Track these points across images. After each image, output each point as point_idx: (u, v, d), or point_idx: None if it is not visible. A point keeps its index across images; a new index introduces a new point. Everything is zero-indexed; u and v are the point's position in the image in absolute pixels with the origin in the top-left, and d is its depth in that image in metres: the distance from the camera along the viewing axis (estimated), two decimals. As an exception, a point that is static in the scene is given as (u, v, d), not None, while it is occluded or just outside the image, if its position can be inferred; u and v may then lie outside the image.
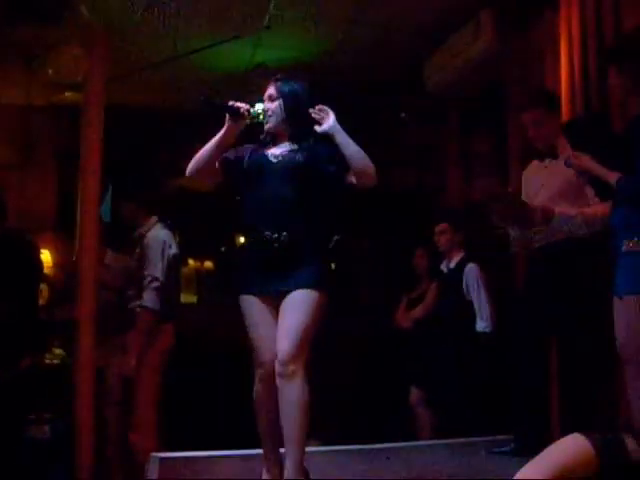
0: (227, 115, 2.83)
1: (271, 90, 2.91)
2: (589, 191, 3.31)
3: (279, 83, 2.91)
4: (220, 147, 2.87)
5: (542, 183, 3.49)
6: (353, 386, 5.45)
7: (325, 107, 2.77)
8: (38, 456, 3.81)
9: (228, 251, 6.90)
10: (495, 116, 5.08)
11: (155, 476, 3.10)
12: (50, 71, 4.72)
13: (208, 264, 7.06)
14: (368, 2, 4.60)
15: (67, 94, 5.84)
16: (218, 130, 2.87)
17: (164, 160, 6.81)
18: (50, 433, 3.82)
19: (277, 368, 2.66)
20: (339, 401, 5.28)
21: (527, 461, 1.40)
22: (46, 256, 5.47)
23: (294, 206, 2.76)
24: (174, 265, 4.17)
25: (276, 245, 2.74)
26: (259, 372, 2.78)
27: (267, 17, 4.73)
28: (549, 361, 3.56)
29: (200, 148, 2.91)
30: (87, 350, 3.79)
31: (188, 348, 4.45)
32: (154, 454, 3.39)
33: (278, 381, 2.65)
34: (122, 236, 4.71)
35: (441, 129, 6.06)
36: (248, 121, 2.86)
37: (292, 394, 2.63)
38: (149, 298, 4.00)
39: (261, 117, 2.88)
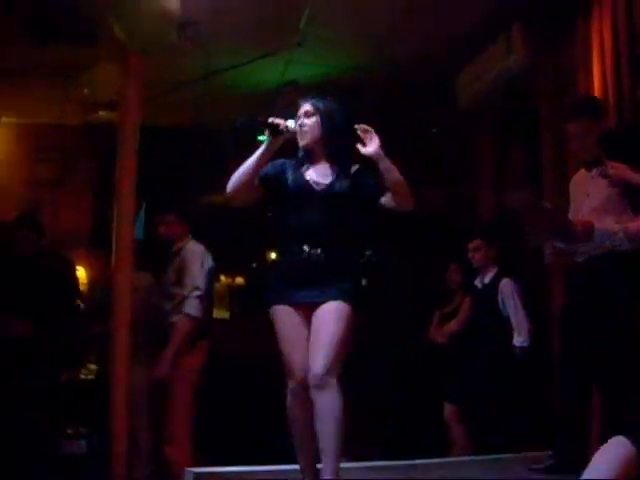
0: (267, 132, 2.83)
1: (307, 107, 2.92)
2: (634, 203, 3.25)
3: (315, 100, 2.92)
4: (260, 164, 2.87)
5: (588, 193, 3.42)
6: (387, 401, 5.42)
7: (369, 128, 2.77)
8: (74, 470, 3.84)
9: (259, 267, 6.92)
10: (527, 129, 5.06)
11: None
12: (85, 90, 4.80)
13: (239, 280, 7.10)
14: (400, 19, 4.62)
15: (101, 113, 5.94)
16: (248, 147, 2.89)
17: (195, 177, 6.88)
18: (86, 447, 3.85)
19: (311, 380, 2.66)
20: (372, 417, 5.25)
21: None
22: (81, 273, 5.55)
23: (331, 228, 2.80)
24: (210, 280, 4.23)
25: (311, 259, 2.76)
26: (291, 384, 2.78)
27: (298, 34, 4.77)
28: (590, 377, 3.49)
29: (233, 166, 2.93)
30: (122, 364, 3.82)
31: (222, 364, 4.45)
32: (188, 469, 3.41)
33: (312, 393, 2.65)
34: (148, 255, 4.77)
35: (473, 143, 6.04)
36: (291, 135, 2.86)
37: (327, 406, 2.62)
38: (192, 306, 4.05)
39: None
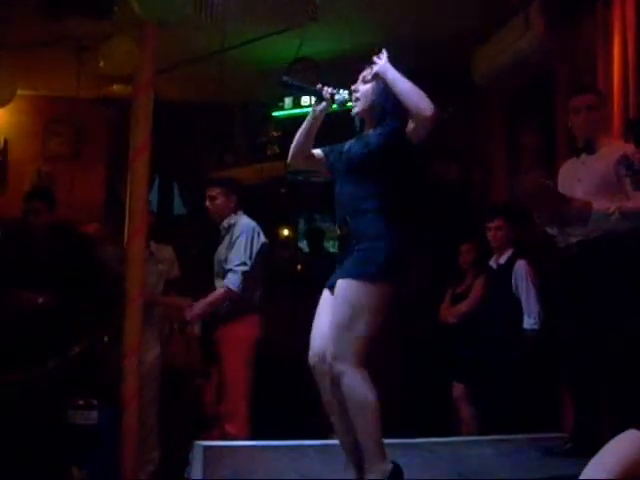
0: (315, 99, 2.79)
1: (366, 72, 2.78)
2: (628, 186, 3.24)
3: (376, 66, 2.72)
4: (309, 132, 2.82)
5: (578, 179, 3.41)
6: (396, 381, 5.43)
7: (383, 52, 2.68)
8: (85, 441, 3.88)
9: (272, 244, 6.93)
10: (543, 109, 5.02)
11: (200, 464, 3.13)
12: (101, 63, 4.78)
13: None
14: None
15: (116, 87, 5.93)
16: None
17: (208, 152, 6.88)
18: (97, 419, 3.88)
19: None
20: (381, 395, 5.26)
21: (581, 461, 1.36)
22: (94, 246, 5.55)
23: (353, 199, 2.68)
24: (263, 255, 4.19)
25: (342, 235, 2.71)
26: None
27: (313, 9, 4.72)
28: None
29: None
30: (134, 337, 3.84)
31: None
32: (198, 442, 3.44)
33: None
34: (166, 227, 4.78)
35: (488, 122, 6.00)
36: (336, 107, 2.77)
37: (342, 395, 2.55)
38: (232, 279, 4.04)
39: (349, 104, 2.79)
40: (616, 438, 1.33)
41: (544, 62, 4.75)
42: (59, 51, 5.31)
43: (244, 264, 4.06)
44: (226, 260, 4.14)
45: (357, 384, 2.52)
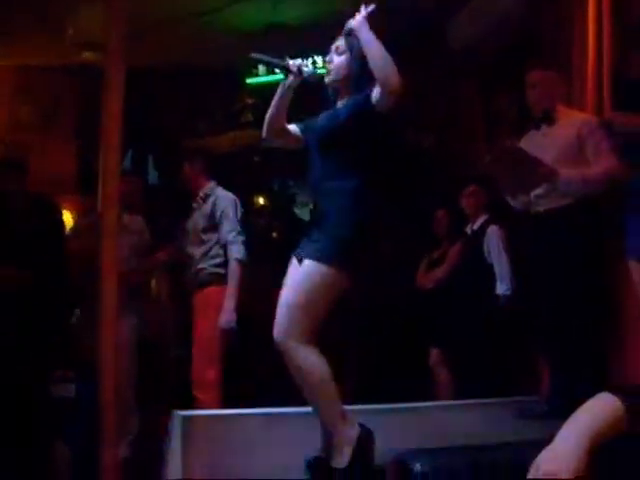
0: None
1: (339, 42, 2.73)
2: (604, 153, 3.26)
3: (350, 37, 2.68)
4: (279, 106, 2.77)
5: (542, 149, 3.41)
6: (372, 345, 5.47)
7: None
8: (63, 414, 3.87)
9: (247, 212, 6.91)
10: (521, 77, 5.00)
11: (178, 433, 3.14)
12: (70, 31, 4.68)
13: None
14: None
15: (86, 54, 5.80)
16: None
17: (182, 121, 6.79)
18: (75, 391, 3.87)
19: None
20: (358, 361, 5.31)
21: (556, 424, 1.37)
22: (67, 217, 5.49)
23: (321, 177, 2.64)
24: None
25: (311, 212, 2.70)
26: None
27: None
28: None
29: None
30: (110, 311, 3.80)
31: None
32: (177, 411, 3.44)
33: None
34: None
35: (465, 89, 5.97)
36: (306, 78, 2.72)
37: (292, 370, 2.51)
38: (239, 250, 4.08)
39: (318, 74, 2.75)
40: (588, 402, 1.34)
41: (521, 28, 4.73)
42: (26, 18, 5.18)
43: (240, 233, 4.13)
44: (205, 230, 4.16)
45: (302, 362, 2.49)
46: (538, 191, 3.35)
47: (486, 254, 4.56)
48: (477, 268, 4.57)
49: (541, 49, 4.56)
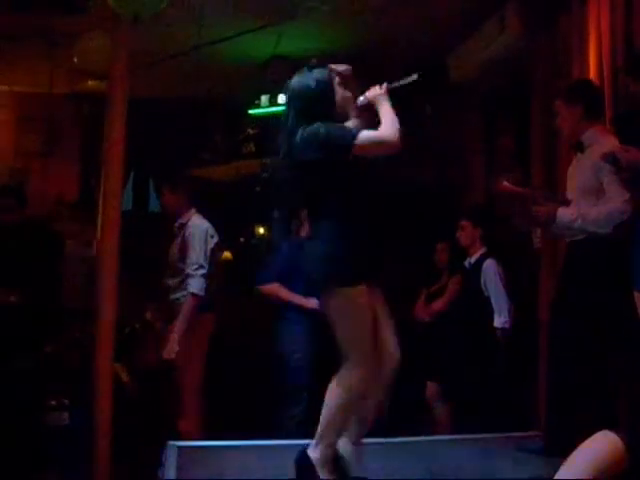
0: None
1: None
2: (613, 189, 3.24)
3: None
4: None
5: (573, 176, 3.44)
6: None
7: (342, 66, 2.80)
8: (57, 442, 3.83)
9: (247, 242, 6.92)
10: (519, 111, 5.04)
11: (173, 464, 3.11)
12: (75, 59, 4.73)
13: (227, 255, 7.06)
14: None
15: (90, 83, 5.85)
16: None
17: (184, 150, 6.82)
18: (69, 419, 3.84)
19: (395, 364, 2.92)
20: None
21: (556, 461, 1.36)
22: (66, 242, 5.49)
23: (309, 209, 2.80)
24: (214, 255, 4.24)
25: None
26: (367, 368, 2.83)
27: (291, 7, 4.71)
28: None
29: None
30: (107, 335, 3.78)
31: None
32: (171, 442, 3.41)
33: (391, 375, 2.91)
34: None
35: (464, 124, 6.01)
36: None
37: None
38: (196, 284, 4.06)
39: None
40: (590, 440, 1.33)
41: (521, 62, 4.77)
42: (32, 46, 5.23)
43: (201, 267, 4.09)
44: (179, 260, 4.17)
45: (347, 379, 2.66)
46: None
47: (483, 287, 4.57)
48: (475, 301, 4.56)
49: (539, 81, 4.59)
